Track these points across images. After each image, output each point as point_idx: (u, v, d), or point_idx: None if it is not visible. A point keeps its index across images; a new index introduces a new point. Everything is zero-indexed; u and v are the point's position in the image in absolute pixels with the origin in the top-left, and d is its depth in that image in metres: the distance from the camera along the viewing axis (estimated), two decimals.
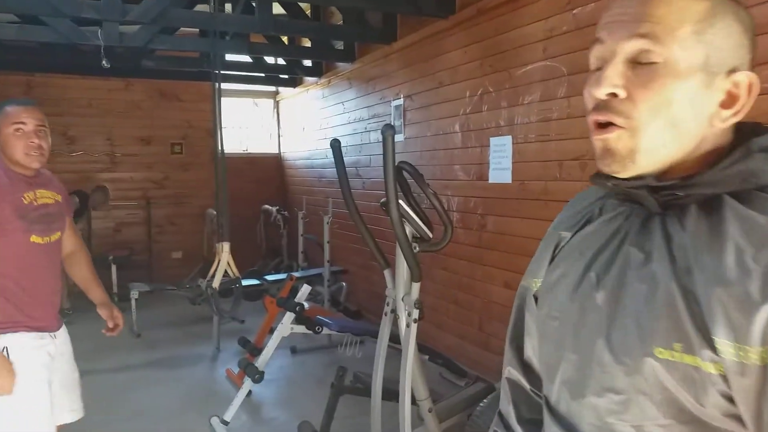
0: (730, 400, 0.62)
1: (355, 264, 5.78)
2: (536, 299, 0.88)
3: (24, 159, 1.99)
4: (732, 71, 0.67)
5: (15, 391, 1.90)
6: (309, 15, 5.90)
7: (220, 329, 4.85)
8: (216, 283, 3.00)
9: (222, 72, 6.52)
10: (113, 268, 6.10)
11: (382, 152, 2.20)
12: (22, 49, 5.68)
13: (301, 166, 7.44)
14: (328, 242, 5.31)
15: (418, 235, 2.44)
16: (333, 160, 2.60)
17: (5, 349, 1.91)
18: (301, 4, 5.30)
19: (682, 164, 0.69)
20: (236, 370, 3.87)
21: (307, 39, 6.35)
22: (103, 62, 4.45)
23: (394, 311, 2.55)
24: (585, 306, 0.74)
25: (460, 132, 4.09)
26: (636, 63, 0.67)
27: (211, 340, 4.89)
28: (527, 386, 0.94)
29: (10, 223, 1.93)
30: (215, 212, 5.09)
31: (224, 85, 7.40)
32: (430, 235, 2.44)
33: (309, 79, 6.90)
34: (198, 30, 5.52)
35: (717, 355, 0.60)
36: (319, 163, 6.75)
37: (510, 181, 3.60)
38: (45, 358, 2.02)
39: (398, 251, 2.42)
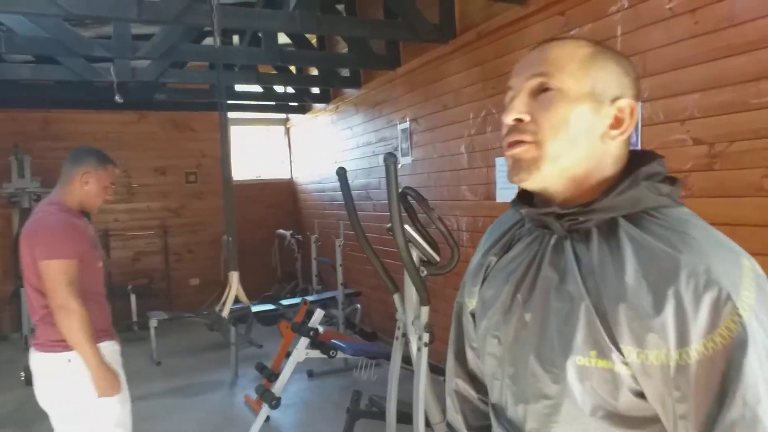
0: (640, 395, 0.74)
1: (369, 286, 5.82)
2: (473, 316, 1.00)
3: (94, 206, 2.38)
4: (615, 99, 0.81)
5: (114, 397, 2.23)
6: (314, 44, 6.02)
7: (237, 355, 4.90)
8: (225, 312, 3.05)
9: (232, 102, 6.71)
10: (132, 297, 6.19)
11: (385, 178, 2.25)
12: (37, 87, 5.87)
13: (313, 190, 7.53)
14: (341, 265, 5.36)
15: (425, 259, 2.47)
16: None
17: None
18: (306, 34, 5.42)
19: (581, 192, 0.83)
20: (254, 396, 3.90)
21: (313, 67, 6.47)
22: (116, 97, 4.58)
23: (405, 335, 2.58)
24: (517, 326, 0.86)
25: (466, 153, 4.14)
26: (537, 93, 0.82)
27: (230, 366, 4.94)
28: (474, 395, 1.07)
29: (89, 254, 2.27)
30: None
31: (236, 114, 7.61)
32: (437, 259, 2.47)
33: (317, 106, 7.01)
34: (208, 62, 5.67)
35: (625, 358, 0.73)
36: (330, 187, 6.83)
37: None
38: (119, 361, 2.37)
39: (406, 276, 2.45)
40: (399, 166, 5.05)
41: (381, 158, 5.48)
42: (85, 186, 2.31)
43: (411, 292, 2.49)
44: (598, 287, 0.76)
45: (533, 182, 0.82)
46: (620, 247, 0.76)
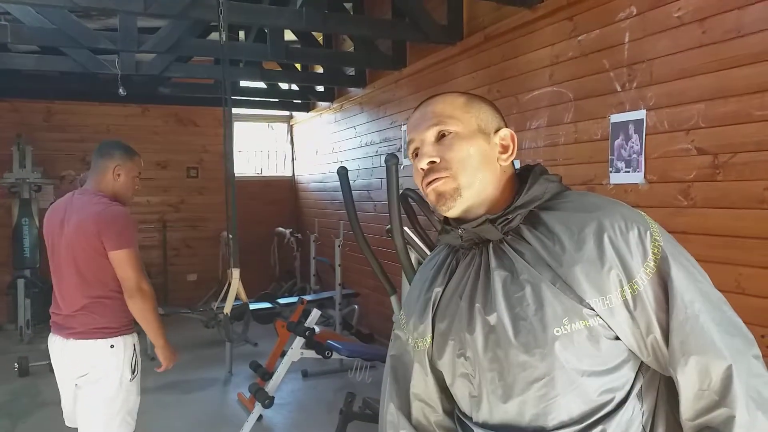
0: (615, 338, 0.87)
1: (368, 287, 5.80)
2: (429, 356, 1.04)
3: (130, 199, 2.51)
4: (497, 130, 0.99)
5: (136, 381, 2.41)
6: (321, 42, 6.01)
7: (232, 353, 4.88)
8: (227, 309, 3.03)
9: (236, 97, 6.70)
10: None
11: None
12: (41, 78, 5.86)
13: (314, 189, 7.51)
14: (339, 265, 5.34)
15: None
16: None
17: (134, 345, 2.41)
18: (312, 32, 5.41)
19: (497, 204, 0.98)
20: (247, 394, 3.89)
21: (319, 65, 6.47)
22: (120, 90, 4.56)
23: None
24: (484, 332, 0.93)
25: None
26: (438, 139, 0.97)
27: (224, 363, 4.92)
28: None
29: None
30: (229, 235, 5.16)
31: (239, 110, 7.59)
32: None
33: (322, 104, 7.00)
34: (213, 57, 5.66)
35: (594, 310, 0.86)
36: (331, 186, 6.81)
37: None
38: None
39: (404, 278, 2.43)
40: (402, 167, 5.02)
41: (383, 159, 5.47)
42: (118, 178, 2.42)
43: None
44: (548, 264, 0.89)
45: (459, 207, 0.96)
46: (550, 228, 0.91)
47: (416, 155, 1.00)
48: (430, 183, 0.96)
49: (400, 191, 2.36)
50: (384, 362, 2.67)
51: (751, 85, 2.24)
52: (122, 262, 2.28)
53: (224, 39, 3.07)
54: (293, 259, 7.23)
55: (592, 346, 0.87)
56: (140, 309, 2.32)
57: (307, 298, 5.22)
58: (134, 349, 2.39)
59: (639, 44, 2.73)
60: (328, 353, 3.61)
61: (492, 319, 0.92)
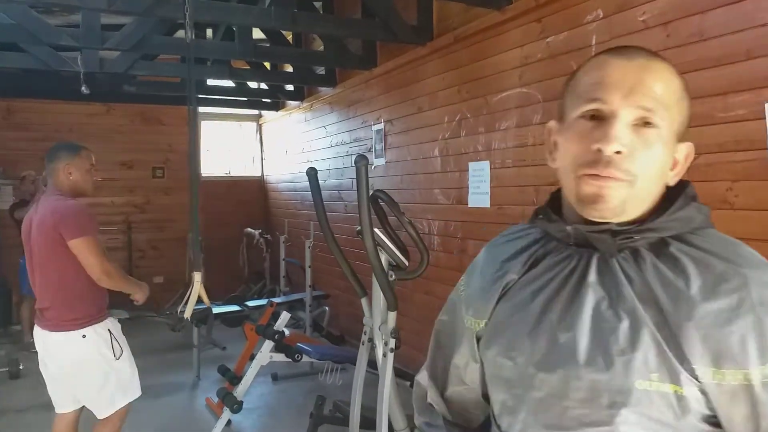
0: (707, 419, 0.71)
1: (338, 288, 5.76)
2: (478, 340, 0.90)
3: (92, 191, 2.69)
4: (679, 140, 0.79)
5: (124, 358, 2.61)
6: (290, 41, 5.95)
7: (200, 357, 4.79)
8: (188, 313, 2.99)
9: (204, 96, 6.59)
10: None
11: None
12: (1, 75, 5.66)
13: (284, 189, 7.44)
14: (309, 266, 5.29)
15: (394, 263, 2.44)
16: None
17: (109, 331, 2.58)
18: (283, 30, 5.35)
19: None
20: (216, 399, 3.82)
21: (288, 64, 6.41)
22: (83, 88, 4.44)
23: (371, 340, 2.55)
24: (547, 347, 0.78)
25: (440, 156, 4.12)
26: (637, 126, 0.74)
27: (192, 367, 4.83)
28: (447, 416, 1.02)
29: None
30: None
31: (207, 109, 7.48)
32: (407, 264, 2.45)
33: (291, 103, 6.94)
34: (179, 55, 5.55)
35: (698, 379, 0.69)
36: (301, 186, 6.75)
37: (488, 205, 3.63)
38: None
39: (374, 280, 2.42)
40: (372, 167, 5.02)
41: (354, 159, 5.44)
42: (70, 176, 2.57)
43: (379, 296, 2.46)
44: (659, 304, 0.72)
45: (616, 220, 0.77)
46: (679, 265, 0.74)
47: (593, 118, 0.76)
48: (597, 176, 0.74)
49: (371, 192, 2.35)
50: (354, 364, 2.64)
51: (714, 87, 2.29)
52: (83, 250, 2.43)
53: (190, 37, 3.01)
54: (262, 260, 7.14)
55: (673, 418, 0.70)
56: (111, 287, 2.54)
57: (277, 300, 5.16)
58: (110, 333, 2.58)
59: (606, 46, 2.74)
60: (297, 356, 3.57)
61: (562, 338, 0.77)
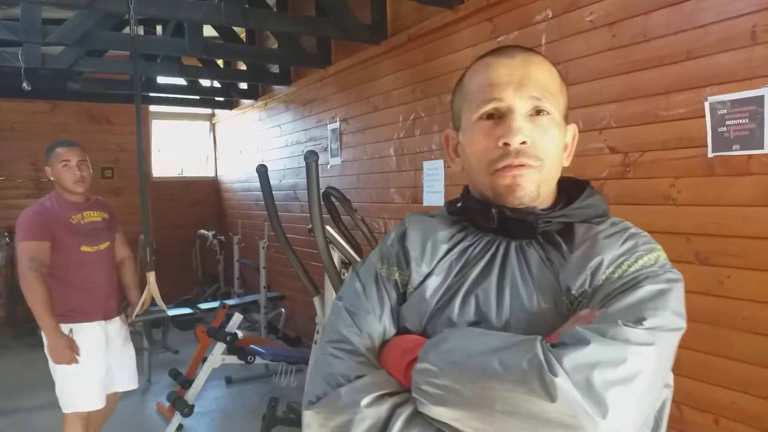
0: None
1: (294, 289, 5.69)
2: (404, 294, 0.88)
3: (72, 186, 2.74)
4: (566, 123, 0.87)
5: (78, 363, 2.64)
6: (243, 38, 5.85)
7: (151, 361, 4.66)
8: (134, 315, 2.92)
9: (154, 94, 6.42)
10: None
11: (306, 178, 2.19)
12: None
13: (238, 190, 7.32)
14: (264, 267, 5.21)
15: (347, 261, 2.42)
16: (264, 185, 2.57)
17: (71, 331, 2.67)
18: (235, 27, 5.25)
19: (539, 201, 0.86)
20: (167, 403, 3.71)
21: (241, 62, 6.31)
22: (24, 84, 4.25)
23: None
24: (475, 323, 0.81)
25: (395, 156, 4.12)
26: (532, 116, 0.82)
27: (143, 372, 4.68)
28: None
29: (62, 239, 2.65)
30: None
31: (158, 108, 7.30)
32: (359, 261, 2.43)
33: (245, 102, 6.82)
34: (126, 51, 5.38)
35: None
36: (255, 186, 6.61)
37: (443, 204, 3.63)
38: (99, 341, 2.77)
39: (327, 278, 2.39)
40: (328, 167, 4.98)
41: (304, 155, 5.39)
42: (51, 174, 2.76)
43: (331, 295, 2.44)
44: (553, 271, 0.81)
45: (531, 204, 0.84)
46: (575, 241, 0.82)
47: (491, 117, 0.82)
48: (510, 167, 0.80)
49: (322, 189, 2.32)
50: (308, 365, 2.60)
51: (657, 86, 2.35)
52: (18, 253, 2.61)
53: (134, 32, 2.92)
54: (216, 262, 7.00)
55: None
56: (25, 294, 2.57)
57: (231, 302, 5.07)
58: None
59: (555, 46, 2.81)
60: (250, 358, 3.50)
61: (492, 314, 0.81)
